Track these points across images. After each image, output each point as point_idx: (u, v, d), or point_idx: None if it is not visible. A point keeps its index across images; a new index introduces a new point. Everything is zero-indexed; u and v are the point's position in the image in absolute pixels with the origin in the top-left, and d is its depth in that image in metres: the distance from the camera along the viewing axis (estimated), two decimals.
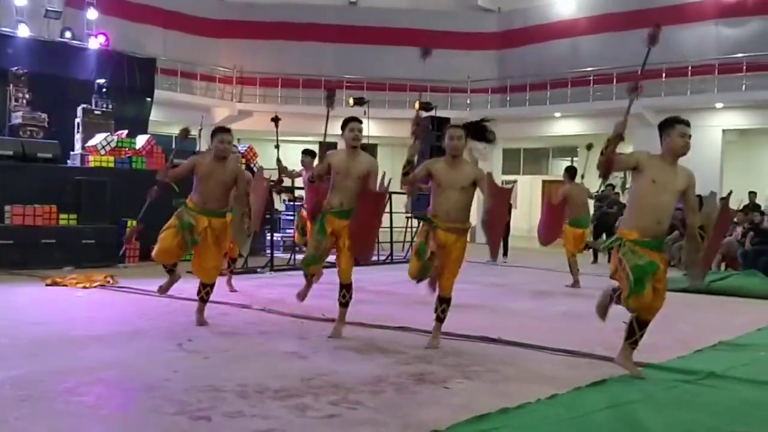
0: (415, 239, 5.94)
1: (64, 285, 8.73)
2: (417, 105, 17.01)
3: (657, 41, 5.06)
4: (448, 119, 15.75)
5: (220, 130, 6.35)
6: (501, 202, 5.71)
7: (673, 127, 4.79)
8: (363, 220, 5.81)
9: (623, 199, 19.87)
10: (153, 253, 6.40)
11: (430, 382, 4.58)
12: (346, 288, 5.97)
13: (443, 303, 5.67)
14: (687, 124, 4.82)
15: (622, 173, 22.61)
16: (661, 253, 4.81)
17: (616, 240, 4.83)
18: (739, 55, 17.98)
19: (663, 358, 5.37)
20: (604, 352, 5.53)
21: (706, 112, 18.42)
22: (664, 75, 18.92)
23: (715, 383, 4.75)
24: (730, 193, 5.18)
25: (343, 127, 6.01)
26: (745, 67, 17.88)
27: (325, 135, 6.68)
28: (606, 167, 4.81)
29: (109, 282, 8.99)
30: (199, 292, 6.42)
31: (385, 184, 5.90)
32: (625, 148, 21.06)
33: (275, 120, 8.36)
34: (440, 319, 5.72)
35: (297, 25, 23.31)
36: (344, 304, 6.02)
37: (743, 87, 17.86)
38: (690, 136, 4.77)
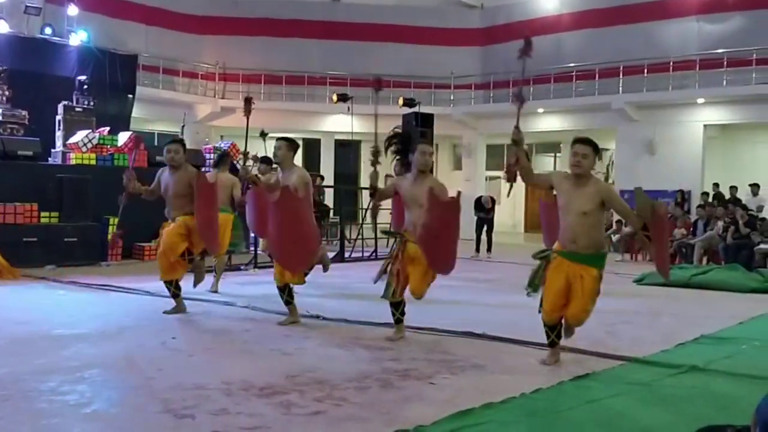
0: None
1: None
2: (401, 101, 17.08)
3: (529, 54, 5.16)
4: (431, 115, 15.73)
5: (170, 142, 6.78)
6: (441, 215, 5.58)
7: (572, 146, 4.91)
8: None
9: None
10: (160, 277, 6.75)
11: (414, 378, 4.58)
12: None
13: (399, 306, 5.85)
14: (581, 142, 4.88)
15: (604, 169, 22.82)
16: (583, 265, 4.84)
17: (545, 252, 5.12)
18: (721, 50, 18.09)
19: (646, 352, 5.41)
20: (588, 346, 5.57)
21: (688, 108, 18.55)
22: (645, 70, 19.01)
23: (697, 376, 4.80)
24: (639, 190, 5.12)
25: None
26: (726, 63, 17.98)
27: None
28: (520, 176, 5.20)
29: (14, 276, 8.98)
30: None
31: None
32: (610, 144, 21.13)
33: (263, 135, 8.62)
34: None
35: (280, 22, 23.22)
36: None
37: (724, 82, 17.97)
38: (583, 155, 4.81)
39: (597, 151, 4.89)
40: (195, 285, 7.21)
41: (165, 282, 6.73)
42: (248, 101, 7.15)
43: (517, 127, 5.11)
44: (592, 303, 4.90)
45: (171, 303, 6.87)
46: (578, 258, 4.85)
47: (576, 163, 4.82)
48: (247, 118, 7.09)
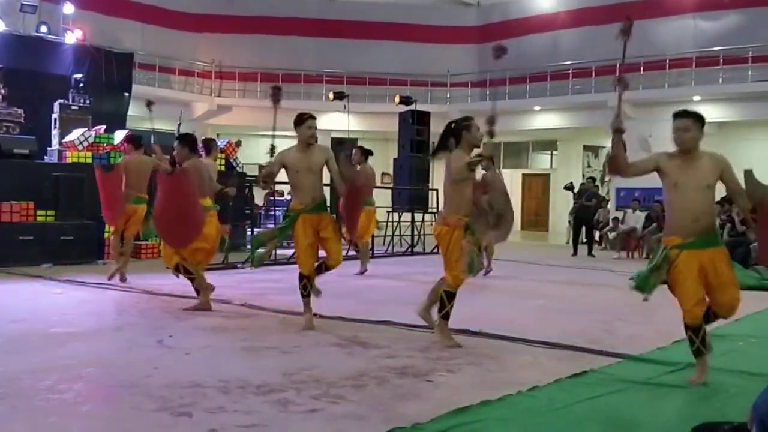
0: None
1: None
2: (397, 99, 17.07)
3: (629, 34, 4.91)
4: (428, 113, 15.74)
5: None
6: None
7: (672, 121, 4.61)
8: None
9: (602, 191, 20.07)
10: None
11: (412, 376, 4.58)
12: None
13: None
14: (681, 115, 4.62)
15: (600, 166, 22.83)
16: (715, 247, 4.53)
17: (662, 251, 4.52)
18: (716, 48, 18.15)
19: (643, 349, 5.41)
20: (584, 344, 5.58)
21: (684, 105, 18.31)
22: (642, 68, 19.04)
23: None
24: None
25: (298, 124, 6.15)
26: (722, 60, 18.04)
27: None
28: (613, 168, 4.66)
29: None
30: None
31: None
32: (606, 142, 21.10)
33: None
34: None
35: (277, 19, 23.22)
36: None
37: (720, 80, 18.02)
38: (683, 129, 4.55)
39: (700, 120, 4.58)
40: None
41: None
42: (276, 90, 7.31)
43: (618, 116, 4.72)
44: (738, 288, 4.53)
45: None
46: (706, 241, 4.47)
47: (677, 138, 4.55)
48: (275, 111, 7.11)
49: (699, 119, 4.59)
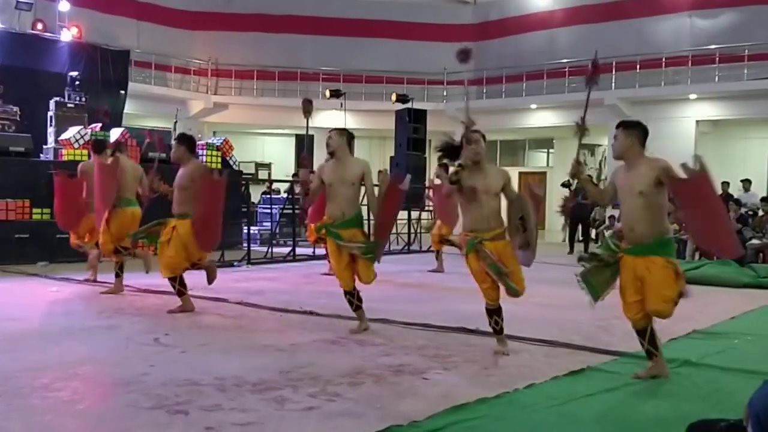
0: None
1: None
2: (393, 97, 17.08)
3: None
4: (424, 111, 15.74)
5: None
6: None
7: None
8: None
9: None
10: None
11: (408, 373, 4.58)
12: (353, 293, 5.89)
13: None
14: (616, 127, 4.78)
15: (597, 164, 22.87)
16: (650, 257, 4.44)
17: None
18: (713, 46, 18.16)
19: (639, 347, 5.41)
20: (581, 341, 5.58)
21: (680, 103, 18.62)
22: (638, 66, 19.04)
23: (690, 371, 4.82)
24: None
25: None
26: (718, 59, 18.05)
27: None
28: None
29: None
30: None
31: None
32: (603, 140, 21.11)
33: None
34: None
35: (273, 17, 23.16)
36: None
37: (716, 78, 18.03)
38: (614, 138, 4.71)
39: (630, 128, 4.66)
40: (210, 282, 7.00)
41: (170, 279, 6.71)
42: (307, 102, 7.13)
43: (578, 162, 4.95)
44: (670, 290, 4.40)
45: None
46: (638, 250, 4.48)
47: (612, 147, 4.76)
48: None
49: (629, 127, 4.72)
